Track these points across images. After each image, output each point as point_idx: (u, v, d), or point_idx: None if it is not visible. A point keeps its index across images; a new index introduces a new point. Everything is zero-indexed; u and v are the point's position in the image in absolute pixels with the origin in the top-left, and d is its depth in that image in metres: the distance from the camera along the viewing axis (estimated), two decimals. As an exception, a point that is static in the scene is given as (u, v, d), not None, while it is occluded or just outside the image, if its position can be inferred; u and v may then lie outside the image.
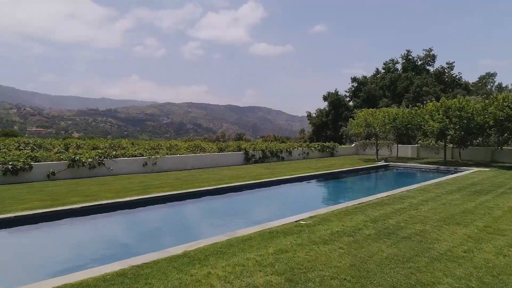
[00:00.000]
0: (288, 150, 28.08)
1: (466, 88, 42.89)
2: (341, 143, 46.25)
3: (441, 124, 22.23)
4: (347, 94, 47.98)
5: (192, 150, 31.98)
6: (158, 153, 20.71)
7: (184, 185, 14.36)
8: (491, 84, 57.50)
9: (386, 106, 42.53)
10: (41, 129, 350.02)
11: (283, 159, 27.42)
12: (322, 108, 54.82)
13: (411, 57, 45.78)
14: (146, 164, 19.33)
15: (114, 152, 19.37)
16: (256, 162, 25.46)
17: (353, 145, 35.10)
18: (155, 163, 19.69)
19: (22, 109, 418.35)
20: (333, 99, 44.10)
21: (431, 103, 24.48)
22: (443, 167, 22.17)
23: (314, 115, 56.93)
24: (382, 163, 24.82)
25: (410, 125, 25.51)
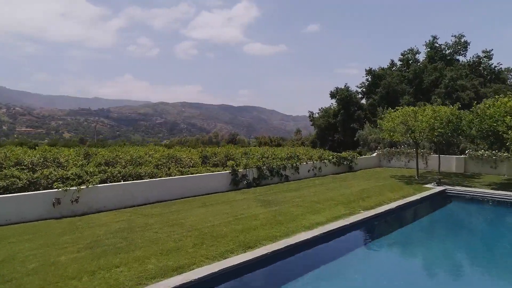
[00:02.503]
0: (295, 165, 20.08)
1: (504, 83, 35.31)
2: (354, 149, 38.30)
3: (534, 130, 14.35)
4: (359, 90, 40.08)
5: (164, 163, 24.04)
6: (85, 182, 12.59)
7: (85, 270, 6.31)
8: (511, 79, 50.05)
9: (409, 104, 34.64)
10: (30, 129, 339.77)
11: (287, 178, 19.42)
12: (327, 106, 46.99)
13: (437, 45, 37.89)
14: (59, 202, 11.19)
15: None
16: (249, 185, 17.42)
17: (374, 155, 27.19)
18: (77, 200, 11.56)
19: (12, 108, 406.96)
20: (343, 96, 36.12)
21: (505, 98, 16.58)
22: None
23: (317, 115, 49.13)
24: (433, 186, 16.89)
25: (477, 130, 17.57)
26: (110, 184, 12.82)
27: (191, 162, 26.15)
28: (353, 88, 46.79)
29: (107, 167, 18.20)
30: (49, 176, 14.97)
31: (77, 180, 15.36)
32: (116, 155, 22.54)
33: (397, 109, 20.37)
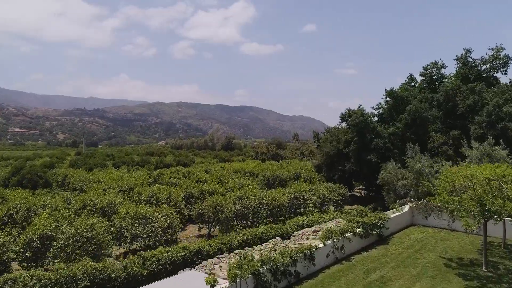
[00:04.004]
0: (309, 253, 13.71)
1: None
2: (370, 179, 31.98)
3: None
4: (376, 113, 33.58)
5: (129, 227, 17.97)
6: None
7: None
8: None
9: (436, 132, 28.38)
10: (24, 130, 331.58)
11: (298, 276, 13.09)
12: (334, 126, 40.68)
13: (471, 60, 31.62)
14: None
15: None
16: (240, 307, 11.02)
17: (406, 210, 20.90)
18: None
19: (5, 109, 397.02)
20: (357, 121, 29.66)
21: None
22: None
23: (322, 135, 42.95)
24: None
25: None
26: None
27: (165, 223, 19.82)
28: (367, 107, 40.55)
29: (31, 264, 11.95)
30: None
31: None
32: (56, 225, 16.22)
33: (462, 168, 14.12)
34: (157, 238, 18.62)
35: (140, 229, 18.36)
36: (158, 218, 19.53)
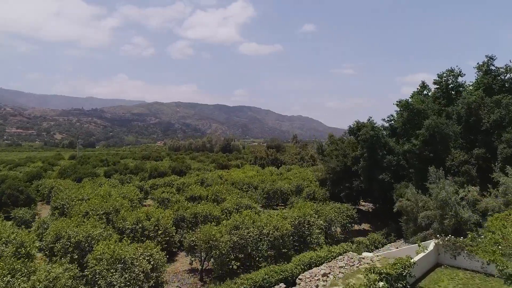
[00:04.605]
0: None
1: None
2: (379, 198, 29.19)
3: None
4: (387, 125, 30.50)
5: (104, 273, 14.96)
6: None
7: None
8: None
9: (456, 148, 25.40)
10: (21, 130, 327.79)
11: None
12: (340, 137, 37.80)
13: (494, 68, 28.72)
14: None
15: None
16: None
17: (431, 248, 17.88)
18: None
19: (2, 109, 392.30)
20: (368, 136, 26.59)
21: None
22: None
23: (326, 146, 40.01)
24: None
25: None
26: None
27: (148, 265, 16.77)
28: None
29: None
30: None
31: None
32: (8, 281, 13.15)
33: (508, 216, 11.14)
34: (137, 286, 15.63)
35: (117, 276, 15.39)
36: (140, 259, 16.56)
